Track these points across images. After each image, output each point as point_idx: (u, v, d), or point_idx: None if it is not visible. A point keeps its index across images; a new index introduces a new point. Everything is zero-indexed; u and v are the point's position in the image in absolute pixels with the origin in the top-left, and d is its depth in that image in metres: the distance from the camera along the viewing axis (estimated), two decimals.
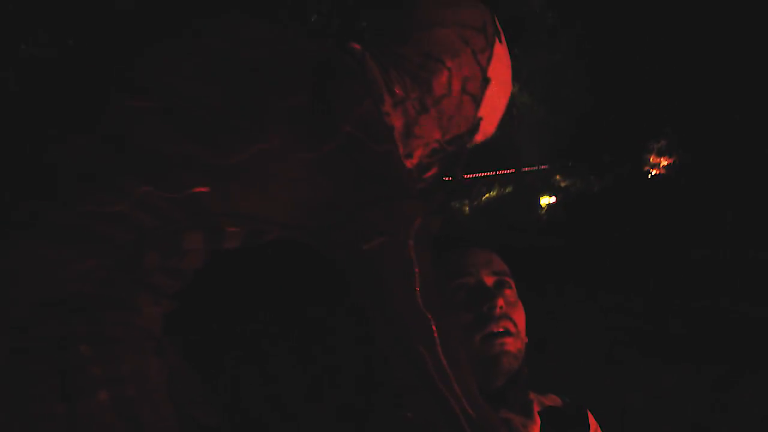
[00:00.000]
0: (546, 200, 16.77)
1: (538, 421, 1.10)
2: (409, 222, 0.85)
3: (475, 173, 17.50)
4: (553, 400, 1.22)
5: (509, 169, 17.94)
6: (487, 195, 17.92)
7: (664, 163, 16.39)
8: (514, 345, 1.12)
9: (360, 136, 0.84)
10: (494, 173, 17.89)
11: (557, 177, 17.75)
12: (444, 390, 0.85)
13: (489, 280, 1.14)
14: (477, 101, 1.00)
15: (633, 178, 15.98)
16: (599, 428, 1.22)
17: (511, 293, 1.16)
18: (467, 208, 18.50)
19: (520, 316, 1.15)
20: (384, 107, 0.94)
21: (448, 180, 1.21)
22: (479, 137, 1.08)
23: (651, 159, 16.56)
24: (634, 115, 15.76)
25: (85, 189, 0.74)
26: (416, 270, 0.84)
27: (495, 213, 16.34)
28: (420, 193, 0.92)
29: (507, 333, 1.11)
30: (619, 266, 8.77)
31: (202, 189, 0.77)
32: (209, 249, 0.84)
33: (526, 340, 1.16)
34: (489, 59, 1.00)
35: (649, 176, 16.52)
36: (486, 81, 1.00)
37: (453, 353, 0.87)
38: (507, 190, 17.89)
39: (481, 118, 1.03)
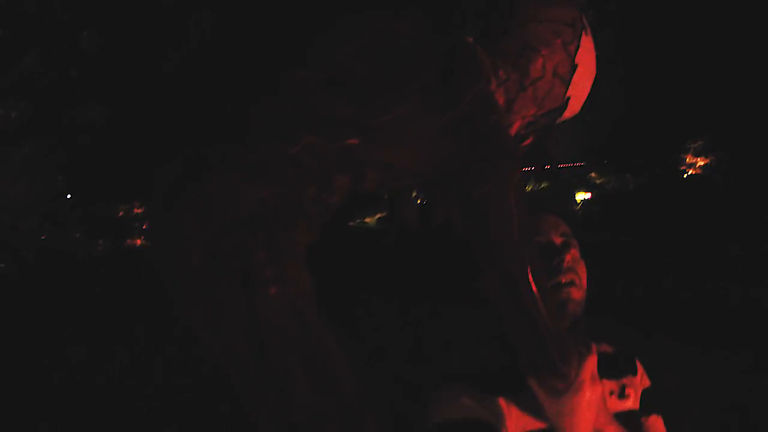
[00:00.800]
0: (581, 196, 16.89)
1: (596, 357, 1.22)
2: (510, 176, 1.05)
3: (534, 166, 17.60)
4: (605, 348, 1.41)
5: (545, 165, 18.06)
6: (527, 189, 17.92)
7: (700, 163, 16.45)
8: (577, 293, 1.27)
9: (475, 108, 1.03)
10: (530, 169, 18.00)
11: (593, 174, 17.84)
12: (532, 309, 1.05)
13: (557, 240, 1.31)
14: (566, 83, 1.17)
15: (668, 177, 16.00)
16: (645, 375, 1.40)
17: (575, 251, 1.33)
18: None
19: (582, 271, 1.32)
20: (491, 87, 1.11)
21: (547, 156, 1.43)
22: (568, 114, 1.24)
23: (687, 159, 16.64)
24: (671, 114, 15.74)
25: (266, 137, 0.95)
26: (514, 212, 1.04)
27: (530, 207, 16.26)
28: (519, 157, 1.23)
29: (572, 284, 1.27)
30: (655, 260, 8.92)
31: (353, 141, 0.96)
32: (352, 189, 1.03)
33: (586, 294, 1.33)
34: (576, 49, 1.17)
35: (685, 176, 16.57)
36: (574, 67, 1.17)
37: (540, 281, 1.06)
38: (542, 186, 17.99)
39: (569, 98, 1.19)
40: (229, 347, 0.93)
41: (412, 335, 6.05)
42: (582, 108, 1.28)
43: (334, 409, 0.93)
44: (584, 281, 1.32)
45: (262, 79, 1.00)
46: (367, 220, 16.64)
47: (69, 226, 13.42)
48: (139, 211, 14.93)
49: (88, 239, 14.10)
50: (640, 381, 1.37)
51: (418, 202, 15.27)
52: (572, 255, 1.30)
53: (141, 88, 10.53)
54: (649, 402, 1.37)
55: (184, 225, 0.94)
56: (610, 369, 1.35)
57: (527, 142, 1.21)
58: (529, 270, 1.05)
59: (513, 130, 1.17)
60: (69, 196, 13.03)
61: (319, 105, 0.97)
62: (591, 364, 1.12)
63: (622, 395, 1.32)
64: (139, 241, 15.45)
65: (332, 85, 0.98)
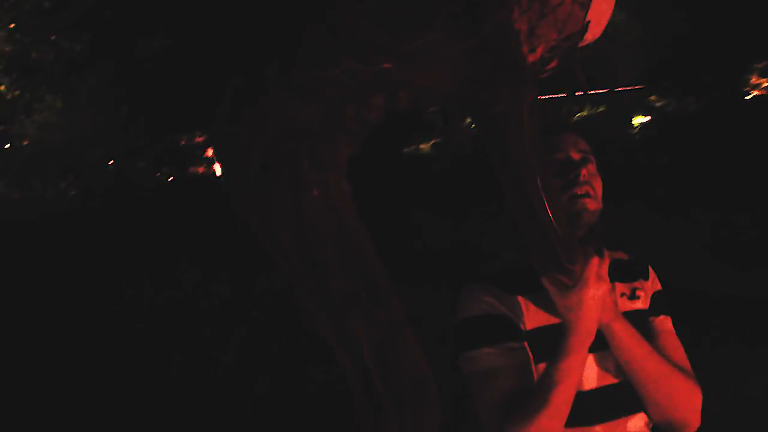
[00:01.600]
0: (639, 120, 16.52)
1: (608, 260, 1.31)
2: (524, 95, 1.16)
3: (567, 92, 17.25)
4: (620, 255, 1.53)
5: (602, 89, 17.61)
6: (579, 114, 17.81)
7: (765, 84, 15.80)
8: (592, 204, 1.39)
9: (494, 36, 1.14)
10: (586, 92, 17.59)
11: (652, 97, 17.41)
12: (540, 213, 1.17)
13: (575, 156, 1.42)
14: (585, 8, 1.23)
15: (731, 99, 15.47)
16: (657, 280, 1.51)
17: (592, 167, 1.43)
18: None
19: (598, 185, 1.43)
20: (514, 15, 1.18)
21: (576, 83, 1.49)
22: (589, 37, 1.30)
23: (752, 80, 15.99)
24: (735, 33, 15.07)
25: (314, 59, 1.10)
26: (527, 128, 1.15)
27: (586, 132, 15.83)
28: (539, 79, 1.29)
29: (587, 195, 1.38)
30: (715, 184, 8.81)
31: (388, 65, 1.11)
32: (387, 107, 1.17)
33: (602, 205, 1.43)
34: None
35: (748, 98, 15.97)
36: None
37: (550, 189, 1.18)
38: (599, 110, 17.60)
39: (589, 21, 1.25)
40: (278, 239, 1.11)
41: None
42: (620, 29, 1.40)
43: (362, 291, 1.10)
44: (599, 193, 1.43)
45: (311, 10, 1.16)
46: (422, 146, 16.65)
47: (134, 155, 13.88)
48: (201, 139, 15.27)
49: (152, 167, 14.58)
50: (651, 285, 1.48)
51: (473, 127, 15.18)
52: (588, 170, 1.41)
53: (201, 17, 10.72)
54: (659, 304, 1.46)
55: (243, 135, 1.11)
56: (623, 273, 1.46)
57: (552, 65, 1.28)
58: (538, 179, 1.16)
59: (537, 54, 1.24)
60: (133, 125, 13.49)
61: (359, 33, 1.11)
62: (594, 264, 1.23)
63: (632, 296, 1.43)
64: (201, 169, 15.88)
65: (371, 15, 1.11)
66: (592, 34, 1.30)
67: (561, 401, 1.19)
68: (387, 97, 1.16)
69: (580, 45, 1.30)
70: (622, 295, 1.42)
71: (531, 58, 1.24)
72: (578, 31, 1.26)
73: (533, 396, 1.21)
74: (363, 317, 1.10)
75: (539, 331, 1.31)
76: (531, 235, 1.20)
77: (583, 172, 1.39)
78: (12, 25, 13.12)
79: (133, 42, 12.30)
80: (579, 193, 1.37)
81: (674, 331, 1.44)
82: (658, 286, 1.49)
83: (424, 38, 1.12)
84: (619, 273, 1.43)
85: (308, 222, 1.09)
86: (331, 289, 1.11)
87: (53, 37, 13.12)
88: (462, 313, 1.38)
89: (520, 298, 1.34)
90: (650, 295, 1.46)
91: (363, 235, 1.14)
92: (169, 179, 15.01)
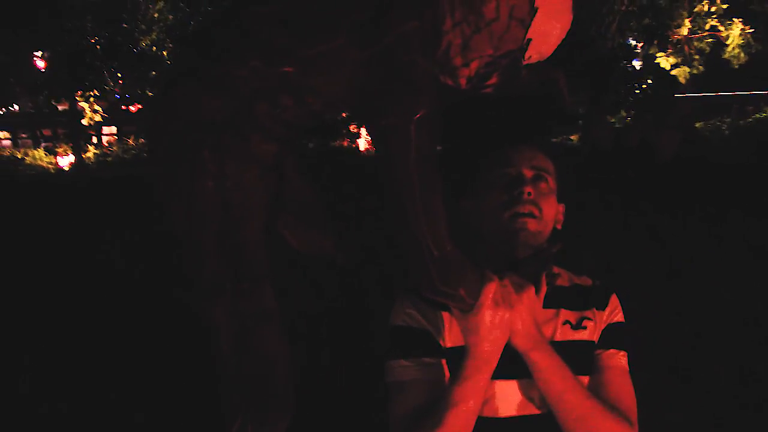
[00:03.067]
0: None
1: (544, 288, 1.29)
2: (413, 110, 1.11)
3: (741, 90, 15.85)
4: (584, 280, 1.40)
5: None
6: (756, 115, 16.44)
7: None
8: (534, 225, 1.28)
9: (395, 47, 1.13)
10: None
11: None
12: (417, 231, 1.11)
13: (527, 172, 1.31)
14: (525, 25, 1.18)
15: None
16: (619, 311, 1.37)
17: (545, 186, 1.32)
18: (725, 128, 16.67)
19: (548, 205, 1.31)
20: (444, 26, 1.17)
21: (559, 106, 1.46)
22: (535, 55, 1.24)
23: None
24: None
25: (224, 57, 1.17)
26: (413, 144, 1.11)
27: (759, 135, 14.40)
28: (484, 95, 1.27)
29: (530, 215, 1.28)
30: None
31: (288, 69, 1.15)
32: (304, 110, 1.21)
33: (550, 227, 1.32)
34: None
35: None
36: (533, 9, 1.18)
37: (431, 206, 1.12)
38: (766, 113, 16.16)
39: (530, 40, 1.20)
40: (175, 215, 1.22)
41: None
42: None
43: (228, 282, 1.19)
44: (549, 215, 1.32)
45: (231, 11, 1.25)
46: (573, 137, 16.19)
47: None
48: (345, 114, 15.94)
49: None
50: (608, 316, 1.35)
51: (612, 120, 14.70)
52: (538, 188, 1.30)
53: None
54: (612, 337, 1.34)
55: (159, 120, 1.23)
56: (574, 300, 1.35)
57: (491, 81, 1.24)
58: (417, 195, 1.11)
59: (472, 69, 1.22)
60: None
61: (265, 35, 1.17)
62: (490, 289, 1.15)
63: (577, 326, 1.31)
64: (346, 142, 16.71)
65: (277, 18, 1.17)
66: (538, 53, 1.24)
67: (455, 424, 1.17)
68: (295, 99, 1.19)
69: (526, 63, 1.25)
70: (565, 323, 1.32)
71: (465, 72, 1.23)
72: (517, 49, 1.21)
73: (430, 415, 1.19)
74: (225, 308, 1.19)
75: (459, 349, 1.22)
76: (407, 252, 1.15)
77: (528, 189, 1.28)
78: None
79: None
80: (520, 211, 1.28)
81: (626, 368, 1.32)
82: (618, 318, 1.37)
83: (326, 44, 1.15)
84: (569, 299, 1.35)
85: (196, 209, 1.19)
86: (201, 277, 1.21)
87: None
88: (390, 320, 1.35)
89: (445, 314, 1.29)
90: (603, 327, 1.34)
91: (253, 228, 1.23)
92: None
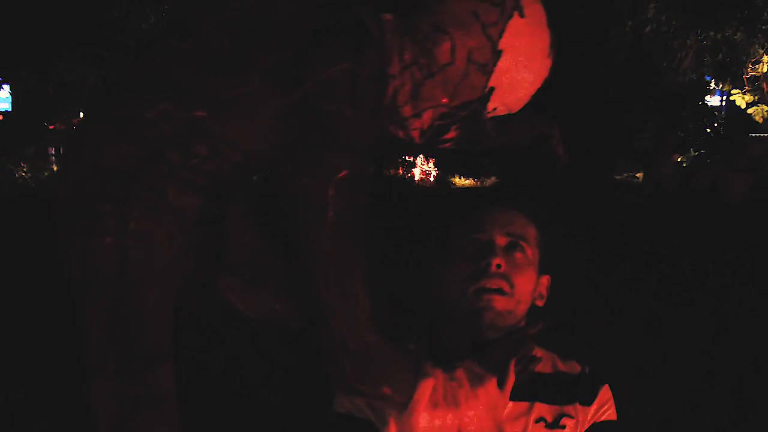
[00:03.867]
0: None
1: (511, 378, 1.08)
2: (332, 171, 0.97)
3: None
4: (571, 366, 1.22)
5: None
6: None
7: None
8: (502, 304, 1.12)
9: (316, 94, 0.98)
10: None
11: None
12: (329, 318, 0.96)
13: (500, 240, 1.16)
14: (485, 72, 1.04)
15: None
16: (611, 407, 1.19)
17: (521, 257, 1.16)
18: None
19: (523, 280, 1.15)
20: (391, 70, 1.03)
21: (552, 165, 1.29)
22: (501, 109, 1.10)
23: None
24: None
25: (132, 98, 1.01)
26: (329, 212, 0.96)
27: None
28: (439, 152, 1.23)
29: (499, 291, 1.12)
30: None
31: (201, 113, 0.99)
32: (224, 162, 1.03)
33: (526, 305, 1.17)
34: (501, 32, 1.02)
35: None
36: (496, 53, 1.03)
37: (348, 288, 0.97)
38: None
39: (492, 89, 1.06)
40: (68, 273, 1.04)
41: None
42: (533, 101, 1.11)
43: (111, 363, 1.00)
44: (522, 291, 1.16)
45: (141, 51, 1.11)
46: (639, 175, 15.74)
47: None
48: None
49: None
50: (594, 413, 1.17)
51: (679, 160, 14.03)
52: (511, 259, 1.16)
53: None
54: None
55: (67, 162, 1.07)
56: (553, 392, 1.17)
57: (449, 135, 1.10)
58: (331, 274, 0.97)
59: (424, 120, 1.08)
60: None
61: (177, 73, 1.01)
62: (426, 388, 1.00)
63: (554, 424, 1.13)
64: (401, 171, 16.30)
65: (193, 55, 1.01)
66: (505, 105, 1.10)
67: None
68: (210, 149, 1.02)
69: (492, 115, 1.10)
70: (539, 420, 1.12)
71: (416, 124, 1.08)
72: (477, 99, 1.06)
73: None
74: (105, 389, 1.01)
75: None
76: (319, 340, 1.01)
77: (497, 261, 1.13)
78: None
79: None
80: (487, 286, 1.12)
81: None
82: (607, 417, 1.18)
83: (240, 88, 1.00)
84: (547, 390, 1.16)
85: (88, 268, 1.01)
86: (82, 350, 1.03)
87: None
88: (333, 405, 1.21)
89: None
90: (586, 427, 1.16)
91: (154, 296, 1.03)
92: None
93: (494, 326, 1.14)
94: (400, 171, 16.67)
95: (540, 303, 1.23)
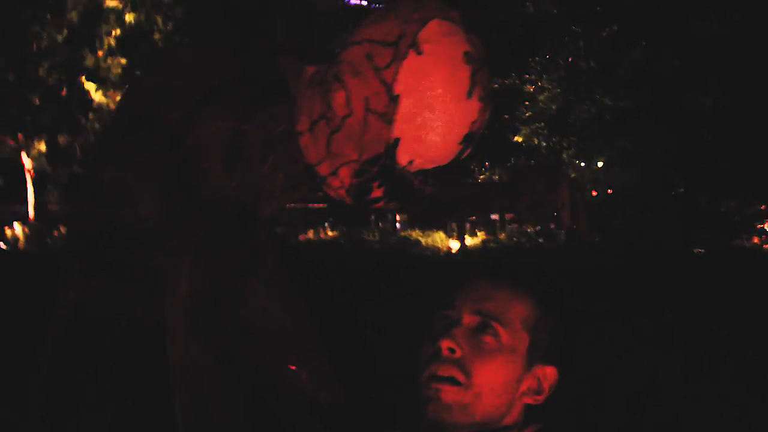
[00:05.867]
0: None
1: None
2: (190, 237, 0.91)
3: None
4: None
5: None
6: None
7: None
8: (451, 396, 0.94)
9: (191, 153, 0.95)
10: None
11: None
12: (185, 416, 0.90)
13: (468, 319, 0.98)
14: (386, 120, 0.92)
15: None
16: None
17: (491, 341, 0.96)
18: None
19: (487, 370, 0.95)
20: (299, 126, 0.98)
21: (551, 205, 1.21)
22: (418, 162, 0.98)
23: None
24: None
25: (94, 165, 1.12)
26: (183, 286, 0.90)
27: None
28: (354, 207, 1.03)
29: (449, 380, 0.94)
30: None
31: (129, 174, 1.04)
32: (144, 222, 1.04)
33: (497, 400, 0.96)
34: (395, 75, 0.91)
35: None
36: (393, 99, 0.92)
37: (196, 370, 0.89)
38: None
39: (398, 139, 0.94)
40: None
41: None
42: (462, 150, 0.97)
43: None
44: (481, 382, 0.94)
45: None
46: None
47: (667, 217, 13.56)
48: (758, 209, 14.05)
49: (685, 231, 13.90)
50: None
51: None
52: (477, 343, 0.96)
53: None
54: None
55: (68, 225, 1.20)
56: None
57: (375, 194, 1.00)
58: (178, 359, 0.90)
59: (340, 179, 0.99)
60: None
61: (114, 140, 1.10)
62: None
63: None
64: (756, 239, 13.80)
65: (121, 123, 1.09)
66: (422, 157, 0.97)
67: None
68: (128, 205, 1.06)
69: (410, 169, 0.99)
70: None
71: (335, 183, 1.00)
72: (385, 151, 0.95)
73: None
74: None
75: None
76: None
77: (447, 344, 0.95)
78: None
79: (681, 96, 12.51)
80: (437, 373, 0.95)
81: None
82: None
83: (146, 150, 1.03)
84: None
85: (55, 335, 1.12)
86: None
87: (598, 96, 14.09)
88: None
89: None
90: None
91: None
92: None
93: (438, 421, 0.94)
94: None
95: (533, 400, 0.98)
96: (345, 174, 0.98)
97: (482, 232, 14.00)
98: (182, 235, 0.94)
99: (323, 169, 1.00)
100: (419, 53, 0.91)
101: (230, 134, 0.96)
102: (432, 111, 0.93)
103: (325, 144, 0.97)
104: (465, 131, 0.95)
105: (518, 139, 14.31)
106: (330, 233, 13.64)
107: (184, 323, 0.91)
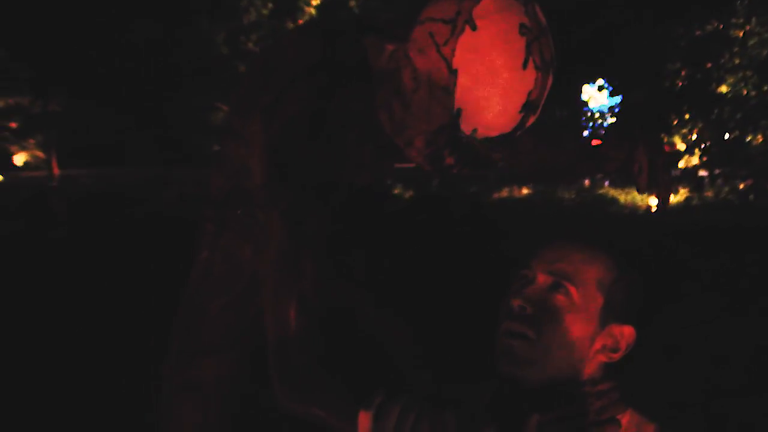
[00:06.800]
0: None
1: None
2: (275, 203, 1.04)
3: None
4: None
5: None
6: None
7: None
8: (522, 351, 0.98)
9: (281, 130, 1.07)
10: None
11: None
12: (267, 339, 1.03)
13: (543, 278, 1.01)
14: (448, 92, 1.00)
15: None
16: None
17: (563, 300, 0.99)
18: None
19: (558, 328, 0.98)
20: (378, 99, 1.09)
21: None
22: (481, 130, 1.03)
23: None
24: None
25: (226, 139, 1.29)
26: (271, 241, 1.04)
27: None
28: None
29: (520, 336, 0.98)
30: None
31: (242, 149, 1.21)
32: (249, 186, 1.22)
33: (568, 359, 0.98)
34: (453, 50, 0.98)
35: None
36: (453, 72, 0.98)
37: (282, 313, 0.99)
38: None
39: (460, 110, 1.01)
40: None
41: None
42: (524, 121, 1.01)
43: None
44: (551, 339, 0.98)
45: None
46: None
47: None
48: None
49: None
50: None
51: None
52: (549, 302, 0.99)
53: None
54: None
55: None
56: None
57: (448, 160, 1.08)
58: (268, 299, 1.02)
59: (418, 147, 1.08)
60: None
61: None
62: (364, 419, 0.89)
63: None
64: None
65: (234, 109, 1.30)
66: (483, 126, 1.02)
67: None
68: (243, 176, 1.26)
69: (475, 138, 1.05)
70: None
71: (413, 153, 1.10)
72: (449, 122, 1.02)
73: None
74: (164, 373, 1.33)
75: None
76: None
77: (518, 302, 0.99)
78: None
79: None
80: (509, 329, 0.99)
81: None
82: None
83: (250, 127, 1.18)
84: None
85: (190, 275, 1.36)
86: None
87: None
88: None
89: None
90: None
91: (217, 303, 1.30)
92: None
93: (514, 375, 0.98)
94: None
95: (608, 358, 1.00)
96: (419, 144, 1.07)
97: (686, 189, 13.25)
98: (275, 201, 1.05)
99: (401, 141, 1.09)
100: (474, 29, 0.97)
101: (312, 112, 1.07)
102: (490, 83, 0.98)
103: (399, 117, 1.07)
104: (523, 100, 1.00)
105: (723, 89, 13.28)
106: (524, 191, 13.59)
107: (269, 274, 1.03)
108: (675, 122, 13.54)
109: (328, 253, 1.08)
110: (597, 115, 18.66)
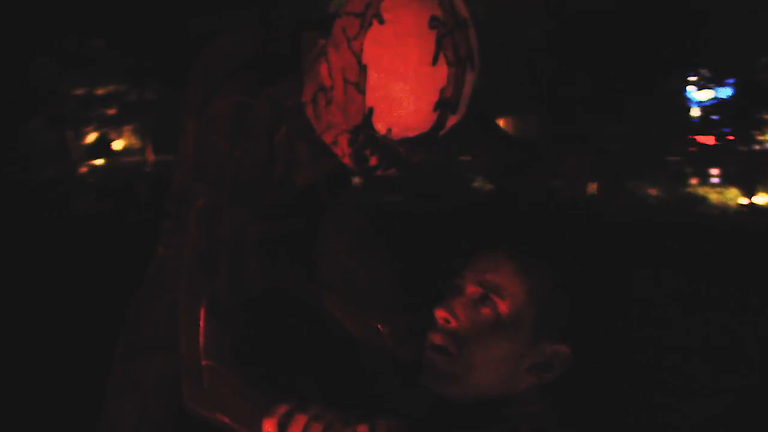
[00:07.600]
0: None
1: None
2: (193, 200, 1.03)
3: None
4: None
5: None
6: None
7: None
8: (442, 366, 0.93)
9: (205, 125, 1.06)
10: None
11: None
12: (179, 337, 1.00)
13: (471, 289, 0.96)
14: (360, 90, 0.95)
15: None
16: None
17: (489, 314, 0.93)
18: None
19: (482, 343, 0.92)
20: (303, 98, 1.05)
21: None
22: (396, 130, 0.97)
23: None
24: None
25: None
26: (189, 238, 1.02)
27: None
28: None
29: (440, 351, 0.94)
30: None
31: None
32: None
33: (490, 376, 0.92)
34: (362, 45, 0.94)
35: None
36: (363, 68, 0.94)
37: (193, 313, 0.97)
38: None
39: (371, 108, 0.96)
40: None
41: None
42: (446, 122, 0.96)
43: None
44: (473, 355, 0.92)
45: None
46: None
47: None
48: None
49: None
50: None
51: None
52: (474, 314, 0.93)
53: None
54: None
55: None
56: None
57: (372, 162, 1.03)
58: (182, 297, 1.00)
59: (342, 147, 1.03)
60: None
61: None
62: (269, 426, 0.85)
63: None
64: None
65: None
66: (398, 126, 0.97)
67: None
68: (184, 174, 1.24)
69: (390, 138, 0.99)
70: None
71: (338, 151, 1.04)
72: (363, 121, 0.97)
73: None
74: (112, 371, 1.29)
75: None
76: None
77: (444, 314, 0.94)
78: None
79: None
80: (432, 342, 0.95)
81: None
82: None
83: (185, 121, 1.23)
84: None
85: (148, 271, 1.37)
86: None
87: None
88: None
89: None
90: None
91: (166, 299, 1.23)
92: None
93: (438, 390, 0.94)
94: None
95: (539, 378, 0.93)
96: (343, 143, 1.02)
97: None
98: (191, 200, 1.04)
99: (327, 138, 1.04)
100: (381, 22, 0.92)
101: (236, 107, 1.04)
102: (400, 79, 0.93)
103: (323, 115, 1.02)
104: (435, 98, 0.94)
105: None
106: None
107: (185, 272, 1.02)
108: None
109: (288, 252, 1.10)
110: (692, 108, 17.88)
